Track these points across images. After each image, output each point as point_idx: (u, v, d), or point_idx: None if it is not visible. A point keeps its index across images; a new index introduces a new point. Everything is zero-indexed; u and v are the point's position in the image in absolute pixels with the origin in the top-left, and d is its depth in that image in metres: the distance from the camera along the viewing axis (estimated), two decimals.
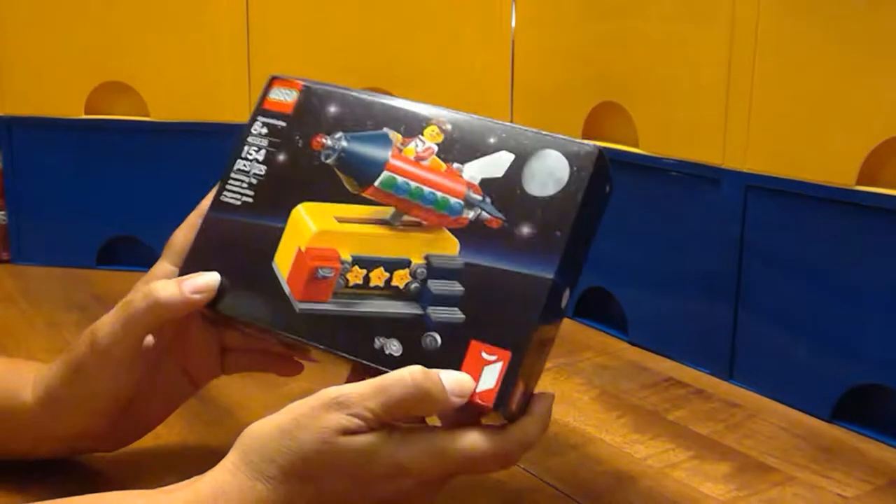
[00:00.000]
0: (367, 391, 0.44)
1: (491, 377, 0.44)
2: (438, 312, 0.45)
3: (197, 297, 0.50)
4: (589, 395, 0.69)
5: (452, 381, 0.44)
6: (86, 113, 0.96)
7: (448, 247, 0.46)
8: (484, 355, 0.44)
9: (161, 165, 0.96)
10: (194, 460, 0.55)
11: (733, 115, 0.68)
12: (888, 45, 0.58)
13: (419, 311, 0.46)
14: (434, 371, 0.44)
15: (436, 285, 0.46)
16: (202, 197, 1.02)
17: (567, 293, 0.47)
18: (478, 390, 0.44)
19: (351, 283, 0.47)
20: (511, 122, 0.90)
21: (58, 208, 0.98)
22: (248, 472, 0.43)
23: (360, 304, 0.47)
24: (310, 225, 0.49)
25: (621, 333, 0.81)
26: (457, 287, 0.45)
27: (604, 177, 0.47)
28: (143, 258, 0.98)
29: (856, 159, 0.61)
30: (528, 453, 0.59)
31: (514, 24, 0.89)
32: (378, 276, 0.47)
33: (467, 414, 0.45)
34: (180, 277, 0.51)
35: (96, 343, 0.50)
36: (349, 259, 0.47)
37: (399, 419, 0.45)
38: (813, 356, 0.65)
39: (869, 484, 0.56)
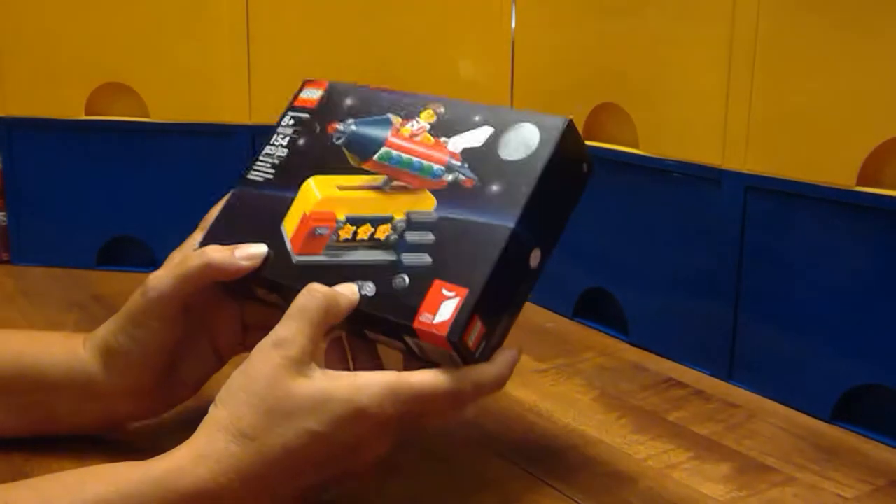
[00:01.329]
0: (287, 320, 0.49)
1: (447, 310, 0.48)
2: (410, 258, 0.51)
3: (245, 263, 0.55)
4: (589, 395, 0.69)
5: (341, 286, 0.51)
6: (86, 113, 0.96)
7: (427, 204, 0.52)
8: (444, 291, 0.49)
9: (161, 165, 0.96)
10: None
11: (733, 116, 0.68)
12: (888, 45, 0.58)
13: (394, 258, 0.51)
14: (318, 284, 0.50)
15: (411, 236, 0.51)
16: (202, 196, 1.03)
17: (537, 253, 0.51)
18: (434, 321, 0.48)
19: (341, 238, 0.54)
20: None
21: (58, 208, 0.98)
22: (222, 435, 0.46)
23: (347, 255, 0.53)
24: (315, 193, 0.56)
25: (621, 334, 0.81)
26: (429, 237, 0.51)
27: (576, 149, 0.53)
28: (143, 258, 0.98)
29: (856, 159, 0.61)
30: (528, 452, 0.59)
31: (514, 24, 0.89)
32: (364, 231, 0.53)
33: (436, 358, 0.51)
34: (232, 245, 0.56)
35: (148, 292, 0.55)
36: (343, 219, 0.54)
37: (326, 329, 0.50)
38: (813, 356, 0.65)
39: (869, 484, 0.56)
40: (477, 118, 0.53)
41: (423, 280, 0.50)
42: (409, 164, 0.54)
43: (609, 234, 0.81)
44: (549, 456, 0.59)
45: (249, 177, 0.60)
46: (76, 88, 0.95)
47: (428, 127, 0.54)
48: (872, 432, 0.62)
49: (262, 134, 0.94)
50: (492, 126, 0.53)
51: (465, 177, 0.52)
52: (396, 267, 0.51)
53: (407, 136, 0.55)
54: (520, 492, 0.55)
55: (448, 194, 0.52)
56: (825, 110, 0.62)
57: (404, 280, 0.50)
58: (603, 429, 0.63)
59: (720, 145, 0.69)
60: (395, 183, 0.53)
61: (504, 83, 0.90)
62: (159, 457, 0.46)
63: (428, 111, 0.55)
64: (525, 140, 0.52)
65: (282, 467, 0.47)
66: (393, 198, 0.53)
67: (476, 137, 0.52)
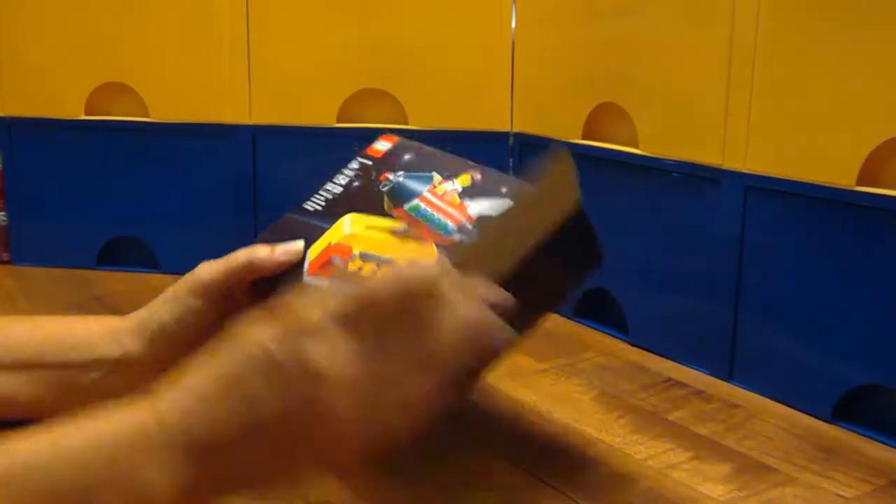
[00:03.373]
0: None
1: None
2: None
3: (283, 258, 0.59)
4: (589, 395, 0.69)
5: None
6: (86, 113, 0.96)
7: (428, 255, 0.55)
8: None
9: (161, 165, 0.96)
10: None
11: (733, 116, 0.68)
12: (888, 46, 0.58)
13: None
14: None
15: None
16: (202, 197, 1.02)
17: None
18: None
19: (348, 270, 0.57)
20: (511, 123, 0.90)
21: (58, 208, 0.98)
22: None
23: (346, 286, 0.53)
24: (345, 228, 0.60)
25: (621, 333, 0.81)
26: None
27: (583, 237, 0.54)
28: (143, 258, 0.98)
29: (856, 159, 0.61)
30: (528, 453, 0.59)
31: (514, 24, 0.89)
32: (368, 268, 0.56)
33: None
34: (273, 244, 0.60)
35: (195, 273, 0.59)
36: (357, 253, 0.57)
37: None
38: (813, 356, 0.65)
39: (869, 484, 0.56)
40: (503, 189, 0.57)
41: None
42: (430, 219, 0.57)
43: (609, 235, 0.81)
44: (549, 456, 0.59)
45: (304, 206, 0.65)
46: (76, 88, 0.95)
47: (460, 189, 0.58)
48: (872, 432, 0.62)
49: (262, 134, 0.95)
50: (512, 199, 0.56)
51: (468, 238, 0.55)
52: None
53: (440, 194, 0.59)
54: (520, 492, 0.55)
55: (450, 250, 0.55)
56: (825, 110, 0.62)
57: None
58: (603, 428, 0.63)
59: (720, 145, 0.69)
60: (412, 232, 0.57)
61: (504, 83, 0.90)
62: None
63: (465, 175, 0.59)
64: None
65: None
66: (404, 244, 0.57)
67: (494, 206, 0.56)
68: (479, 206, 0.56)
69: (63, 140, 0.97)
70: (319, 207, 0.63)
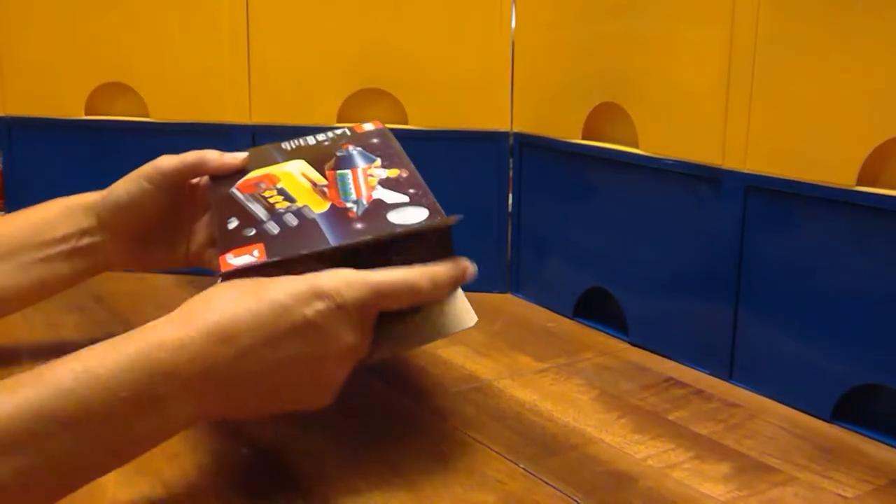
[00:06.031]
0: (357, 284, 0.53)
1: (242, 261, 0.57)
2: (269, 224, 0.61)
3: (228, 160, 0.69)
4: (589, 395, 0.69)
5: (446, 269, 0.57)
6: (86, 113, 0.96)
7: (320, 207, 0.62)
8: (254, 252, 0.58)
9: None
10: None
11: (733, 115, 0.68)
12: (888, 46, 0.58)
13: (264, 218, 0.62)
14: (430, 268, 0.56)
15: (287, 216, 0.61)
16: None
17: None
18: (230, 261, 0.57)
19: (264, 193, 0.65)
20: (511, 122, 0.90)
21: None
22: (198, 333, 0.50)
23: (252, 203, 0.64)
24: (286, 167, 0.69)
25: (621, 333, 0.81)
26: (294, 221, 0.61)
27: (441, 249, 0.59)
28: None
29: (856, 159, 0.61)
30: (528, 452, 0.59)
31: (514, 24, 0.89)
32: (275, 199, 0.64)
33: None
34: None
35: (154, 162, 0.70)
36: (278, 186, 0.66)
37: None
38: (813, 356, 0.65)
39: (869, 484, 0.56)
40: (411, 191, 0.63)
41: (257, 237, 0.59)
42: (344, 186, 0.64)
43: (609, 234, 0.81)
44: (548, 456, 0.59)
45: (282, 143, 0.73)
46: (76, 88, 0.95)
47: (384, 177, 0.65)
48: (872, 432, 0.62)
49: (262, 133, 0.95)
50: (408, 198, 0.63)
51: (355, 209, 0.61)
52: (258, 222, 0.61)
53: (368, 174, 0.66)
54: (520, 492, 0.55)
55: (336, 211, 0.61)
56: (825, 110, 0.62)
57: (251, 230, 0.61)
58: (603, 428, 0.63)
59: (720, 145, 0.69)
60: (327, 191, 0.64)
61: (504, 83, 0.90)
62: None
63: (395, 170, 0.66)
64: (408, 216, 0.60)
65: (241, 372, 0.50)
66: (311, 193, 0.64)
67: (393, 196, 0.62)
68: (383, 193, 0.62)
69: (63, 140, 0.97)
70: (289, 148, 0.72)
